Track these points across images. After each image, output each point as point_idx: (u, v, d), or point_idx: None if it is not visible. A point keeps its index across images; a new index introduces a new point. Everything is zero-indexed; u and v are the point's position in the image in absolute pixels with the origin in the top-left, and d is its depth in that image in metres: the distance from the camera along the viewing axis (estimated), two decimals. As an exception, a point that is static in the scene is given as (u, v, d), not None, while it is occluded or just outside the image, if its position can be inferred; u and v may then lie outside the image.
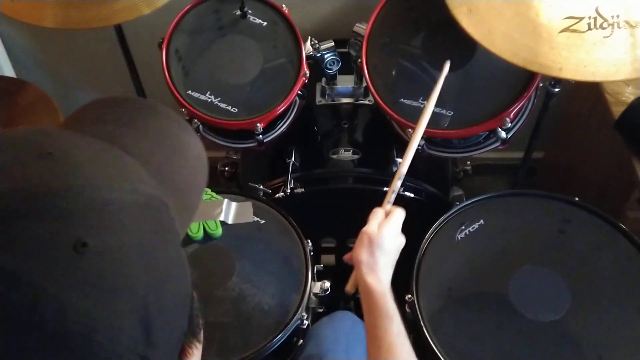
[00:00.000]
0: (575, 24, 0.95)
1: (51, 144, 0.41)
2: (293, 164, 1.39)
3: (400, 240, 0.91)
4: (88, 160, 0.41)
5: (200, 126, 1.32)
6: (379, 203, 0.98)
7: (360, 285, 0.86)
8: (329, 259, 1.47)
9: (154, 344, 0.39)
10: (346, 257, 0.93)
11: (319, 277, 1.19)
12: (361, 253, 0.87)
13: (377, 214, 0.92)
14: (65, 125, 0.52)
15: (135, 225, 0.40)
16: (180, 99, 1.27)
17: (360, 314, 1.19)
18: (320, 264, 1.24)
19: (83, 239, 0.37)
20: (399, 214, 0.92)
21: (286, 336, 1.05)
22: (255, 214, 1.21)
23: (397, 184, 0.96)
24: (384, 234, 0.88)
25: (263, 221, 1.20)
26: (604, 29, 0.94)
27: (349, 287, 0.91)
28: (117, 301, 0.38)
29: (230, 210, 1.22)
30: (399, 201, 1.33)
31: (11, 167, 0.38)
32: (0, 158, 0.39)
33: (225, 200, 1.22)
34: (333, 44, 1.34)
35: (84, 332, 0.36)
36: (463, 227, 1.13)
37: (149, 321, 0.39)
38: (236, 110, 1.28)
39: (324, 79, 1.46)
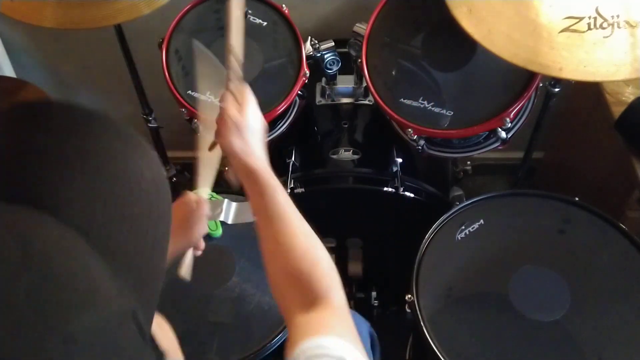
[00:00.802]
0: (575, 24, 0.95)
1: None
2: (293, 164, 1.39)
3: (260, 114, 0.87)
4: None
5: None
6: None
7: (241, 171, 0.82)
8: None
9: None
10: (218, 146, 0.87)
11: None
12: (233, 141, 0.82)
13: (228, 99, 0.85)
14: None
15: None
16: (180, 99, 1.27)
17: (361, 312, 1.20)
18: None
19: None
20: (248, 90, 0.87)
21: (286, 336, 1.05)
22: (255, 214, 1.21)
23: (231, 59, 0.88)
24: (247, 115, 0.84)
25: (263, 221, 1.20)
26: (604, 29, 0.94)
27: (232, 177, 0.86)
28: None
29: (230, 210, 1.22)
30: (400, 201, 1.34)
31: None
32: None
33: (225, 200, 1.22)
34: (333, 44, 1.34)
35: None
36: (463, 227, 1.13)
37: None
38: (236, 110, 1.28)
39: (324, 79, 1.46)
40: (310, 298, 0.71)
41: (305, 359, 0.60)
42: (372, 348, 1.15)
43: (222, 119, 0.84)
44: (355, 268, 1.52)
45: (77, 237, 0.35)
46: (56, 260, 0.33)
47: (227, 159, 0.86)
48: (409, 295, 1.06)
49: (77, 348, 0.32)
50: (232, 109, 0.84)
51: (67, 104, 0.41)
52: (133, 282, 0.37)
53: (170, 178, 1.75)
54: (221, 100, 0.86)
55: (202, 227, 0.94)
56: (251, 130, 0.84)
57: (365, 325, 1.16)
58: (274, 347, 1.04)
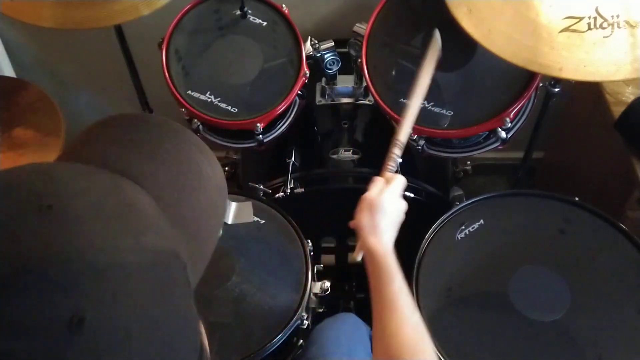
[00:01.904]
0: (575, 24, 0.95)
1: (52, 193, 0.38)
2: (293, 164, 1.39)
3: (401, 203, 0.91)
4: (91, 213, 0.38)
5: (200, 126, 1.32)
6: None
7: (365, 249, 0.87)
8: (329, 259, 1.47)
9: None
10: (351, 223, 0.92)
11: (319, 277, 1.19)
12: (362, 218, 0.87)
13: (377, 182, 0.93)
14: (78, 145, 0.49)
15: (138, 292, 0.38)
16: (180, 99, 1.27)
17: (361, 315, 1.20)
18: (320, 264, 1.25)
19: (80, 313, 0.34)
20: (399, 180, 0.93)
21: (286, 336, 1.05)
22: (255, 214, 1.21)
23: (396, 151, 0.98)
24: (384, 197, 0.89)
25: (263, 221, 1.20)
26: (604, 29, 0.94)
27: (355, 254, 0.91)
28: None
29: (230, 210, 1.22)
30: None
31: (7, 226, 0.36)
32: None
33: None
34: (333, 44, 1.34)
35: None
36: (463, 227, 1.13)
37: None
38: (236, 110, 1.28)
39: (324, 79, 1.46)
40: None
41: None
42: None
43: (363, 197, 0.90)
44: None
45: (151, 199, 0.44)
46: (130, 194, 0.43)
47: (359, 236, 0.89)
48: (409, 295, 1.06)
49: (136, 264, 0.38)
50: (374, 190, 0.90)
51: (165, 120, 0.53)
52: (186, 240, 0.45)
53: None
54: (371, 183, 0.93)
55: None
56: (383, 212, 0.87)
57: (366, 328, 1.16)
58: (274, 347, 1.04)
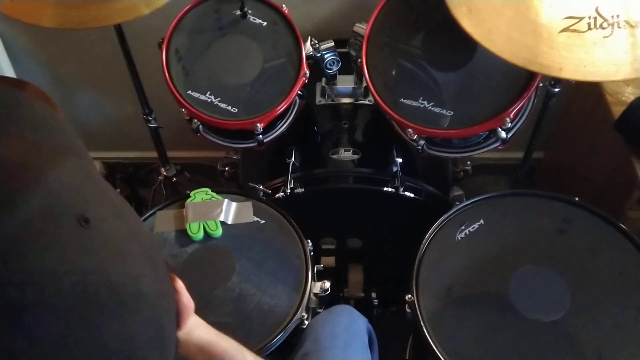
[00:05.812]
0: (575, 23, 0.95)
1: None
2: (293, 164, 1.39)
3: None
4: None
5: (200, 126, 1.32)
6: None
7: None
8: (328, 261, 1.47)
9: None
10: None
11: (319, 277, 1.19)
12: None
13: None
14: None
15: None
16: (180, 99, 1.27)
17: (361, 312, 1.20)
18: (320, 264, 1.25)
19: (85, 214, 0.39)
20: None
21: (286, 336, 1.06)
22: (255, 214, 1.21)
23: None
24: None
25: (263, 221, 1.20)
26: (604, 28, 0.94)
27: None
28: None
29: (230, 210, 1.22)
30: (400, 201, 1.34)
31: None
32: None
33: (225, 200, 1.22)
34: (333, 44, 1.34)
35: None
36: (463, 227, 1.13)
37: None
38: (236, 110, 1.28)
39: (324, 79, 1.46)
40: None
41: None
42: (370, 343, 1.15)
43: None
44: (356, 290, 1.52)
45: None
46: None
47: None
48: (409, 295, 1.06)
49: None
50: None
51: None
52: None
53: (170, 178, 1.76)
54: None
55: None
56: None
57: (363, 320, 1.16)
58: (274, 347, 1.04)
